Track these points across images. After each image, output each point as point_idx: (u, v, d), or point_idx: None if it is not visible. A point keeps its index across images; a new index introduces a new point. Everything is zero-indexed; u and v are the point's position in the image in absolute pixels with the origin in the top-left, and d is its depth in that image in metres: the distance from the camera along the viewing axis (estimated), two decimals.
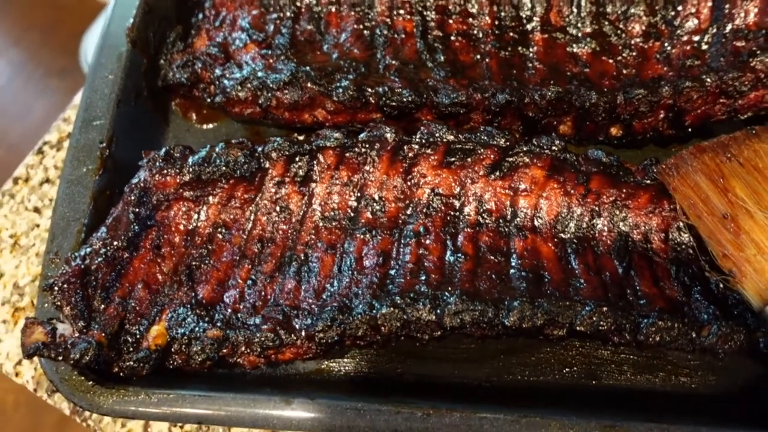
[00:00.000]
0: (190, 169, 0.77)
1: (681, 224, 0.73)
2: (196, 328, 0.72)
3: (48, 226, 0.86)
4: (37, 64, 3.54)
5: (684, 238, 0.73)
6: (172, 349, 0.71)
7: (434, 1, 0.86)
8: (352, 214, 0.77)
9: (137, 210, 0.76)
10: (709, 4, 0.81)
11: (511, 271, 0.73)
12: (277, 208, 0.78)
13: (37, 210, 0.88)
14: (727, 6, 0.80)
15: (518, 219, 0.76)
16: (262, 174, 0.78)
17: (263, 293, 0.74)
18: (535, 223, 0.76)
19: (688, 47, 0.81)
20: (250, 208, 0.78)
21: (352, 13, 0.87)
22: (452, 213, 0.77)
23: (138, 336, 0.72)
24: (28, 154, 0.90)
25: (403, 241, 0.75)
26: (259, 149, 0.79)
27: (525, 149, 0.76)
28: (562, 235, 0.75)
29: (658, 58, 0.82)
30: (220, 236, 0.77)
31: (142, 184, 0.77)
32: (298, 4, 0.88)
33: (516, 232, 0.75)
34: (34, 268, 0.85)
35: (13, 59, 3.55)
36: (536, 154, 0.76)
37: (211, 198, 0.78)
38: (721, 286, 0.70)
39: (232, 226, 0.77)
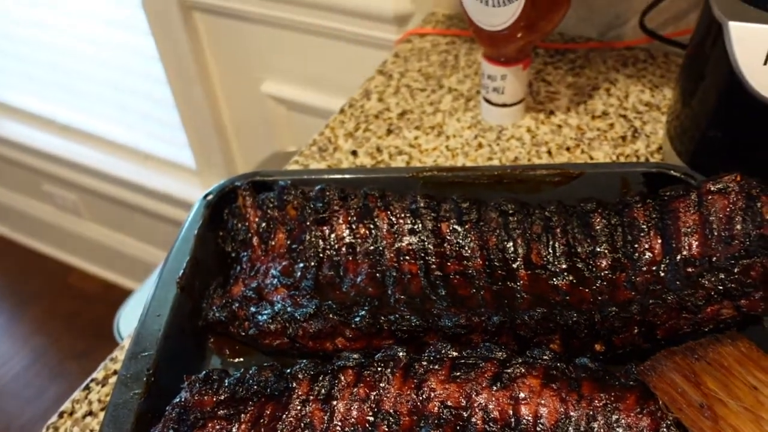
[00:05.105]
0: (226, 390, 0.87)
1: (669, 422, 0.80)
2: None
3: None
4: (57, 350, 3.68)
5: None
6: None
7: (434, 248, 1.04)
8: (369, 428, 0.85)
9: (176, 427, 0.84)
10: (659, 241, 0.98)
11: None
12: (302, 425, 0.86)
13: None
14: (673, 242, 0.97)
15: (521, 426, 0.84)
16: (289, 393, 0.88)
17: None
18: (537, 429, 0.83)
19: (649, 275, 0.97)
20: (278, 425, 0.86)
21: (366, 260, 1.04)
22: (461, 423, 0.84)
23: None
24: (76, 390, 1.00)
25: None
26: (287, 371, 0.89)
27: (520, 361, 0.87)
28: None
29: (625, 286, 0.97)
30: None
31: (182, 403, 0.86)
32: (321, 255, 1.06)
33: None
34: None
35: (35, 346, 3.70)
36: (531, 364, 0.87)
37: (242, 416, 0.86)
38: None
39: None
